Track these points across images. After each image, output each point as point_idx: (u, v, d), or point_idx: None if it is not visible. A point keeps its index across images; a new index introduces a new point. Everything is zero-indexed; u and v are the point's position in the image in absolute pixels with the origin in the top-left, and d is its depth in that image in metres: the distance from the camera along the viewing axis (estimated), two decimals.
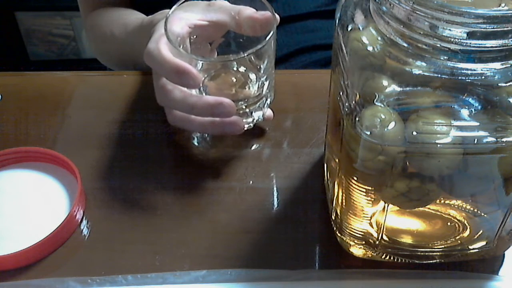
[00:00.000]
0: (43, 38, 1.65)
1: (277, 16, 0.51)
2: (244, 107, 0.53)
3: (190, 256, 0.47)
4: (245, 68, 0.54)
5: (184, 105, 0.50)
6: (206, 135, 0.57)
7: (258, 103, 0.54)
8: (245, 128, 0.53)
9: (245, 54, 0.48)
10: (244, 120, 0.53)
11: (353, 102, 0.36)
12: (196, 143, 0.57)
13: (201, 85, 0.51)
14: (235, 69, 0.54)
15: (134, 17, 0.67)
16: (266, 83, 0.53)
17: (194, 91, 0.51)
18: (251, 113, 0.54)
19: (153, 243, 0.48)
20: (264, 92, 0.54)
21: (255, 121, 0.55)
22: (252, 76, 0.54)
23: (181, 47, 0.50)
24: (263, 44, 0.49)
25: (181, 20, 0.51)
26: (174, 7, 0.51)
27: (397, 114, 0.35)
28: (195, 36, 0.53)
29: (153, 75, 0.53)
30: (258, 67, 0.53)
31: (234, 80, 0.54)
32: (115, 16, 0.72)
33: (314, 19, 0.75)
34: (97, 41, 0.77)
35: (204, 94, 0.52)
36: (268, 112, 0.56)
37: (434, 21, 0.32)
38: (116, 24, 0.70)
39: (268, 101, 0.55)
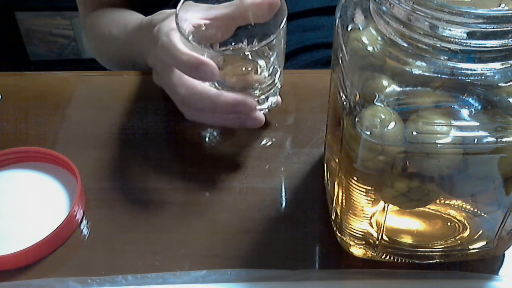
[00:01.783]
0: (43, 38, 1.65)
1: None
2: (259, 93, 0.54)
3: (190, 256, 0.47)
4: (252, 55, 0.54)
5: (205, 103, 0.50)
6: (207, 134, 0.57)
7: (273, 89, 0.55)
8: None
9: (258, 46, 0.49)
10: (259, 107, 0.54)
11: (353, 102, 0.36)
12: (199, 142, 0.57)
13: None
14: (242, 55, 0.54)
15: (134, 17, 0.67)
16: (279, 70, 0.54)
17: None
18: (267, 98, 0.55)
19: (153, 243, 0.48)
20: (277, 78, 0.54)
21: (269, 106, 0.56)
22: (261, 62, 0.54)
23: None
24: (276, 35, 0.49)
25: (185, 22, 0.51)
26: (178, 6, 0.51)
27: (397, 114, 0.35)
28: (204, 28, 0.53)
29: (161, 73, 0.53)
30: (266, 54, 0.53)
31: (244, 68, 0.54)
32: (115, 16, 0.72)
33: (317, 16, 0.74)
34: (96, 41, 0.77)
35: (216, 84, 0.53)
36: (278, 98, 0.57)
37: (434, 21, 0.32)
38: (115, 24, 0.70)
39: (279, 86, 0.56)
